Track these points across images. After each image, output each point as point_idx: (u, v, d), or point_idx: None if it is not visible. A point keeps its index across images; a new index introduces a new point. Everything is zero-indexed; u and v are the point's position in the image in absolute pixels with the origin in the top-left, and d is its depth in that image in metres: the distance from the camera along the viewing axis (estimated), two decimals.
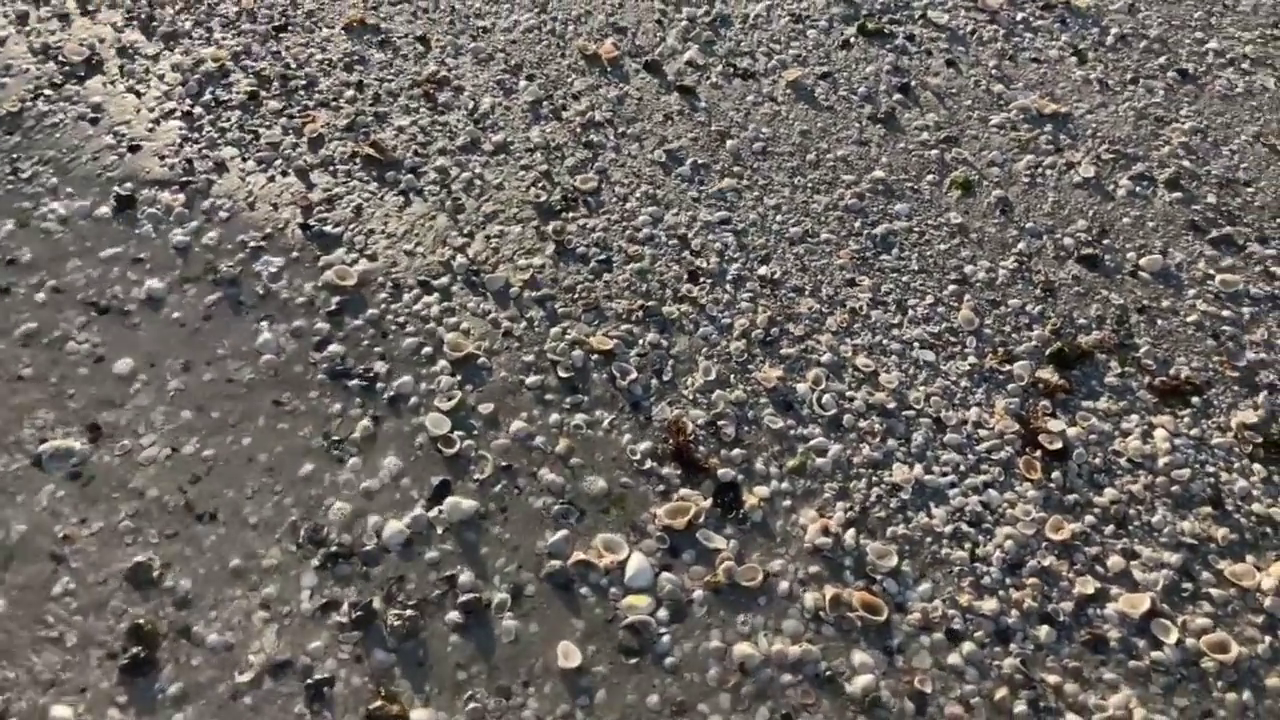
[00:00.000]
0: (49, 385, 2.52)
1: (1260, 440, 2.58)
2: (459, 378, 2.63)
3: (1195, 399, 2.67)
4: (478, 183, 3.14)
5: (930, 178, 3.25)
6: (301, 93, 3.36)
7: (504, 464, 2.46)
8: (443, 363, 2.66)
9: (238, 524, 2.30)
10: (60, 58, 3.33)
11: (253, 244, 2.89)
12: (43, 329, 2.63)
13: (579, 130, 3.33)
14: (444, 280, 2.86)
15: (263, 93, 3.33)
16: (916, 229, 3.09)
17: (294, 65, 3.45)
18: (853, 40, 3.70)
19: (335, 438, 2.47)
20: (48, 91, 3.23)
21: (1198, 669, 2.18)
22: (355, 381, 2.58)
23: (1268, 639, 2.22)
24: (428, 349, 2.69)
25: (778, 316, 2.82)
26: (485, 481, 2.42)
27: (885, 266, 2.98)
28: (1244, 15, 3.94)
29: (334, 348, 2.66)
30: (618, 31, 3.69)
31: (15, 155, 3.04)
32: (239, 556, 2.25)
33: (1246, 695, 2.14)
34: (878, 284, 2.92)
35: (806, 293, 2.90)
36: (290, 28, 3.59)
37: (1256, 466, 2.54)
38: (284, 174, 3.10)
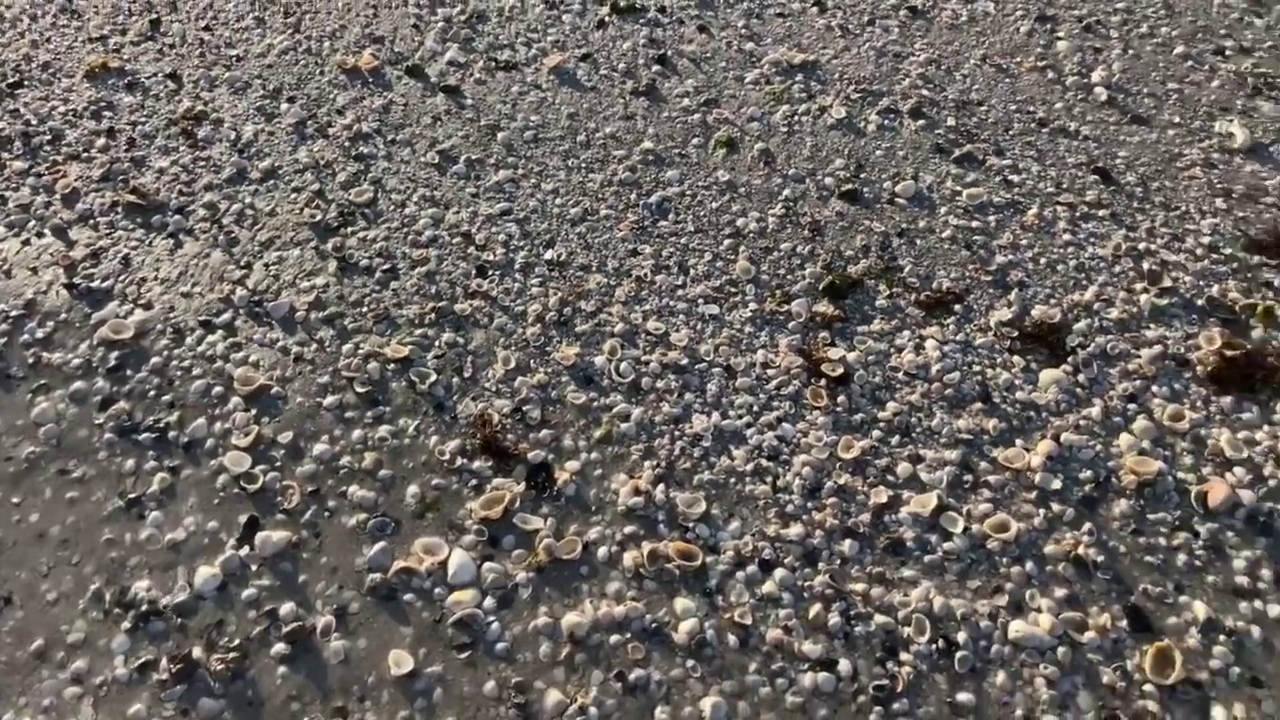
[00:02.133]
0: None
1: (1015, 334, 2.83)
2: (254, 412, 2.59)
3: (957, 307, 2.90)
4: (249, 212, 3.08)
5: (696, 141, 3.38)
6: (48, 148, 3.21)
7: (311, 489, 2.45)
8: (235, 399, 2.61)
9: (36, 604, 2.21)
10: None
11: (14, 313, 2.75)
12: None
13: (347, 144, 3.30)
14: (226, 316, 2.81)
15: (4, 155, 3.16)
16: (689, 192, 3.21)
17: (35, 121, 3.29)
18: (607, 19, 3.80)
19: (132, 496, 2.40)
20: None
21: (985, 550, 2.38)
22: (146, 435, 2.51)
23: (1041, 511, 2.45)
24: (218, 389, 2.64)
25: (568, 296, 2.89)
26: (294, 510, 2.41)
27: (664, 232, 3.09)
28: None
29: (119, 405, 2.57)
30: (375, 41, 3.67)
31: None
32: (42, 637, 2.16)
33: (1029, 565, 2.35)
34: (659, 250, 3.03)
35: (593, 269, 2.98)
36: (26, 83, 3.41)
37: (1015, 359, 2.78)
38: (39, 235, 2.96)
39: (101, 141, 3.24)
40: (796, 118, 3.46)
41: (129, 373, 2.65)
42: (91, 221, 3.01)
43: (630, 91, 3.54)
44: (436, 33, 3.69)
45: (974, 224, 3.13)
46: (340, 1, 3.82)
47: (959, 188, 3.23)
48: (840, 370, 2.71)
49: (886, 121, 3.46)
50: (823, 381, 2.70)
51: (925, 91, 3.56)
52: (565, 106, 3.48)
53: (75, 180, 3.11)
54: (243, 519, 2.37)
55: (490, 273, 2.95)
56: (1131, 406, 2.67)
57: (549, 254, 3.01)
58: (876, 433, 2.61)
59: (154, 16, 3.66)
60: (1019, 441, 2.60)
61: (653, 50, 3.69)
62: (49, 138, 3.24)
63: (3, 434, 2.50)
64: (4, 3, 3.67)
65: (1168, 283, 2.97)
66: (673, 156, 3.32)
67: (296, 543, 2.34)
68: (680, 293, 2.92)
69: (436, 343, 2.77)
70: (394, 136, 3.34)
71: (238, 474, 2.47)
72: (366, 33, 3.70)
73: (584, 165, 3.28)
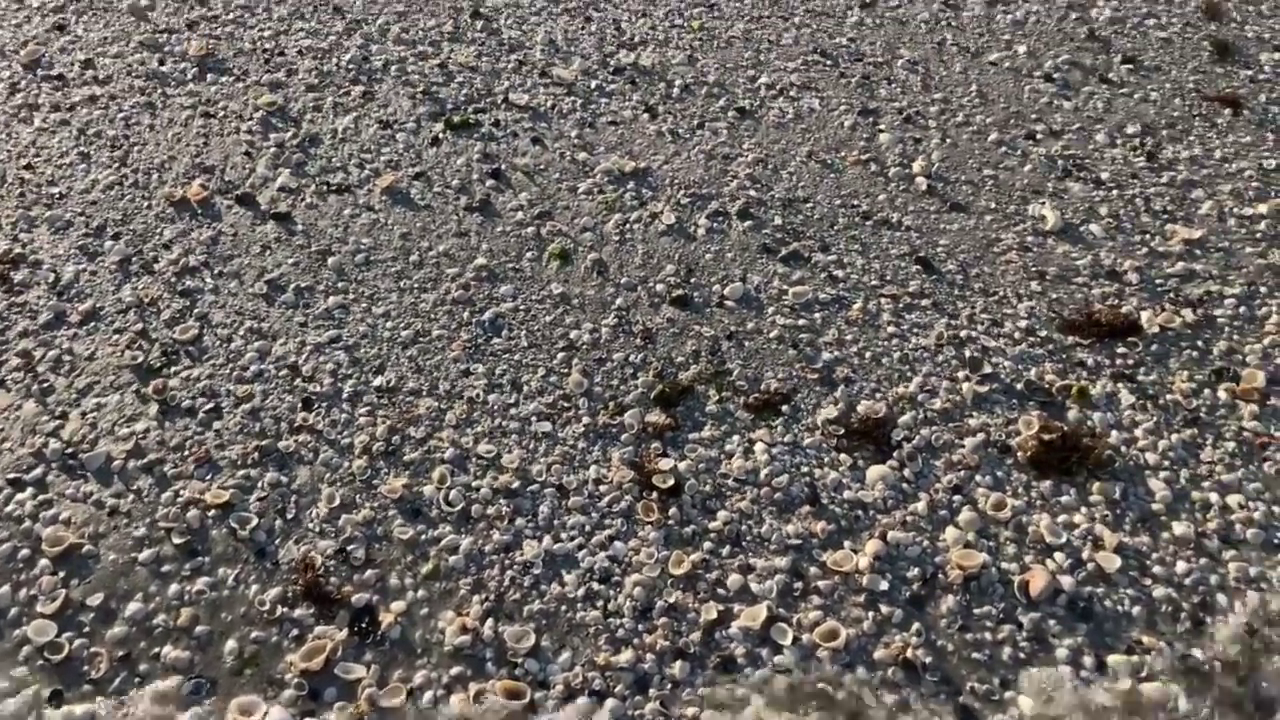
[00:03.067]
0: None
1: (842, 431, 2.88)
2: (62, 574, 2.47)
3: (785, 407, 2.95)
4: (67, 358, 2.98)
5: (530, 255, 3.40)
6: None
7: (122, 654, 2.33)
8: (43, 562, 2.49)
9: None
10: None
11: None
12: None
13: (173, 280, 3.24)
14: (37, 472, 2.69)
15: None
16: (522, 307, 3.22)
17: None
18: (441, 136, 3.83)
19: None
20: None
21: (816, 660, 2.38)
22: None
23: (870, 614, 2.47)
24: (24, 551, 2.51)
25: (397, 424, 2.85)
26: (101, 679, 2.28)
27: (497, 349, 3.09)
28: (786, 48, 4.42)
29: None
30: (205, 171, 3.64)
31: None
32: None
33: (860, 672, 2.36)
34: (492, 368, 3.02)
35: (424, 393, 2.95)
36: None
37: (843, 456, 2.82)
38: None
39: None
40: (629, 225, 3.52)
41: None
42: None
43: (464, 207, 3.56)
44: (268, 159, 3.67)
45: (800, 322, 3.20)
46: (170, 132, 3.77)
47: (786, 286, 3.31)
48: (671, 481, 2.71)
49: (715, 224, 3.54)
50: (654, 494, 2.70)
51: (753, 192, 3.67)
52: (398, 226, 3.48)
53: None
54: (45, 693, 2.24)
55: (316, 405, 2.89)
56: (956, 498, 2.73)
57: (378, 380, 2.97)
58: (707, 544, 2.61)
59: None
60: (847, 543, 2.63)
61: (487, 165, 3.73)
62: None
63: None
64: None
65: (988, 369, 3.07)
66: (506, 271, 3.33)
67: (96, 717, 2.22)
68: (513, 411, 2.90)
69: (259, 484, 2.69)
70: (221, 269, 3.28)
71: (41, 644, 2.34)
72: (196, 163, 3.66)
73: (416, 286, 3.27)
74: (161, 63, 4.06)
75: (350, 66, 4.12)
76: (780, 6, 4.62)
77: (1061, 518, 2.68)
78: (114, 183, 3.58)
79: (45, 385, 2.90)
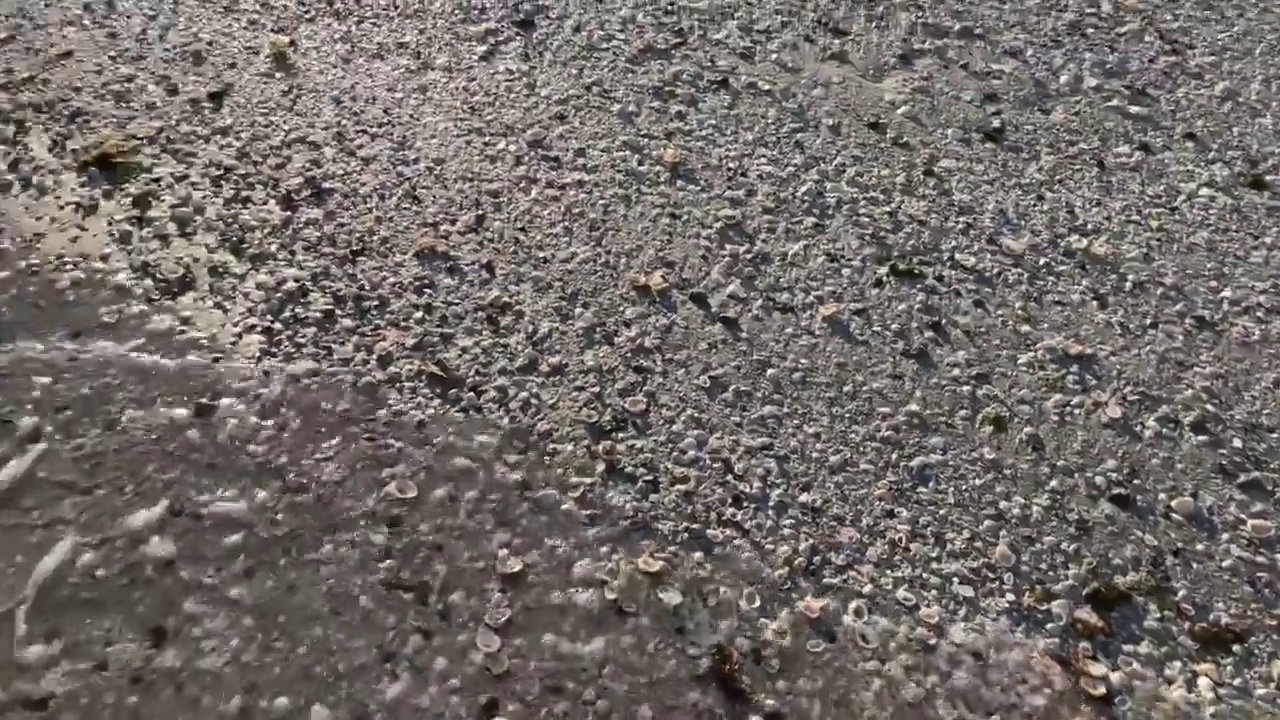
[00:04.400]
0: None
1: None
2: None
3: (1236, 647, 2.70)
4: (534, 402, 3.33)
5: (963, 413, 3.40)
6: (374, 312, 3.63)
7: None
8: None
9: None
10: (158, 274, 3.64)
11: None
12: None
13: (629, 355, 3.55)
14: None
15: (338, 311, 3.60)
16: (952, 463, 3.21)
17: (368, 287, 3.74)
18: (884, 279, 3.97)
19: None
20: (143, 306, 3.52)
21: None
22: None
23: None
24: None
25: (819, 545, 2.91)
26: None
27: (923, 499, 3.09)
28: (1256, 266, 4.20)
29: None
30: (666, 265, 3.99)
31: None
32: None
33: None
34: (916, 516, 3.02)
35: (847, 521, 3.00)
36: (366, 253, 3.91)
37: None
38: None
39: (419, 314, 3.63)
40: (1069, 408, 3.44)
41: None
42: (398, 385, 3.34)
43: (901, 352, 3.64)
44: (723, 266, 3.97)
45: (1259, 559, 2.95)
46: (640, 225, 4.19)
47: (1244, 516, 3.07)
48: (1102, 690, 2.55)
49: (1165, 430, 3.37)
50: (1083, 700, 2.55)
51: (1210, 406, 3.47)
52: (835, 355, 3.61)
53: (391, 345, 3.48)
54: None
55: (745, 504, 3.02)
56: None
57: (804, 496, 3.06)
58: None
59: (480, 213, 4.15)
60: None
61: (927, 316, 3.80)
62: (376, 303, 3.66)
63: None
64: (360, 180, 4.27)
65: None
66: (938, 424, 3.35)
67: None
68: (935, 566, 2.88)
69: (684, 563, 2.83)
70: (671, 355, 3.56)
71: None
72: (660, 256, 4.03)
73: (848, 415, 3.37)
74: (640, 163, 4.55)
75: (805, 198, 4.40)
76: (1250, 224, 4.41)
77: None
78: (589, 258, 4.01)
79: (514, 419, 3.26)
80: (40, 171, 3.95)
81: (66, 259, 3.66)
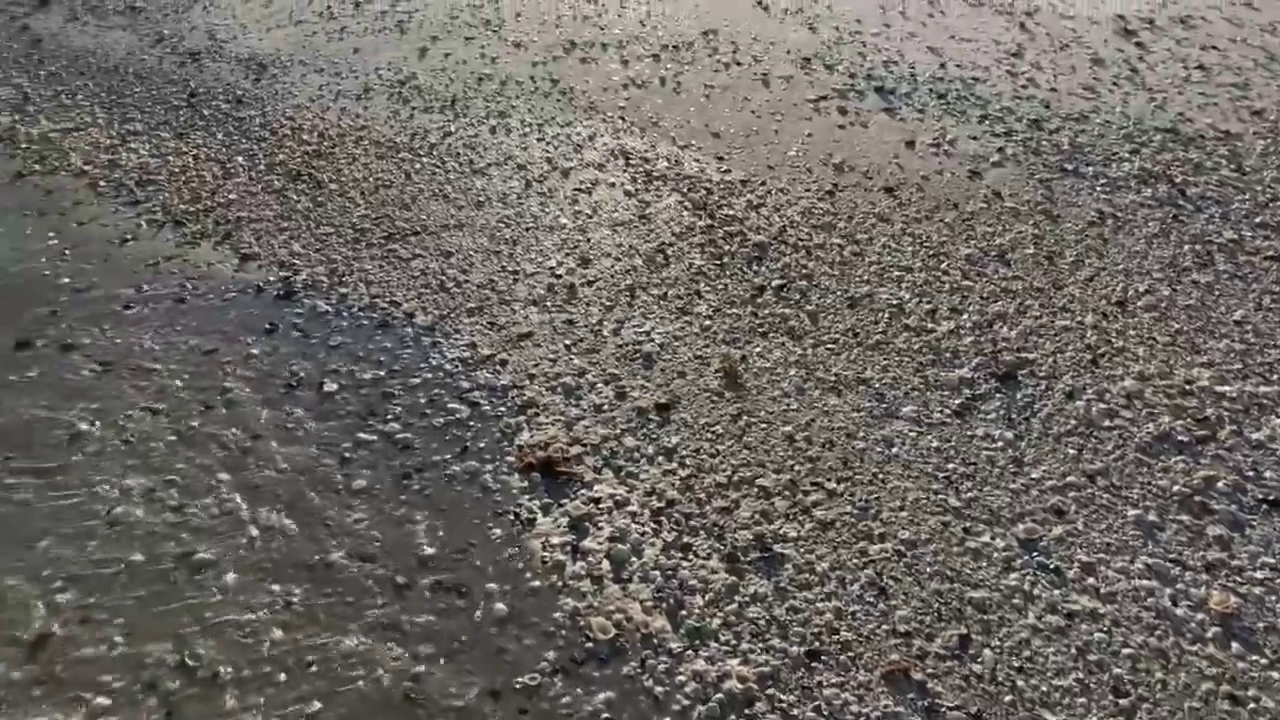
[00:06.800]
0: None
1: None
2: None
3: None
4: None
5: None
6: None
7: None
8: None
9: None
10: (587, 633, 3.01)
11: None
12: None
13: None
14: None
15: None
16: None
17: (825, 711, 2.88)
18: None
19: None
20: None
21: None
22: None
23: None
24: None
25: None
26: None
27: None
28: None
29: None
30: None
31: None
32: None
33: None
34: None
35: None
36: (824, 657, 3.08)
37: None
38: None
39: None
40: None
41: None
42: None
43: None
44: None
45: None
46: (1186, 703, 3.08)
47: None
48: None
49: None
50: None
51: None
52: None
53: None
54: None
55: None
56: None
57: None
58: None
59: (964, 630, 3.22)
60: None
61: None
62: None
63: None
64: (816, 552, 3.52)
65: None
66: None
67: None
68: None
69: None
70: None
71: None
72: None
73: None
74: (1173, 600, 3.47)
75: None
76: None
77: None
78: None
79: None
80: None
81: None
